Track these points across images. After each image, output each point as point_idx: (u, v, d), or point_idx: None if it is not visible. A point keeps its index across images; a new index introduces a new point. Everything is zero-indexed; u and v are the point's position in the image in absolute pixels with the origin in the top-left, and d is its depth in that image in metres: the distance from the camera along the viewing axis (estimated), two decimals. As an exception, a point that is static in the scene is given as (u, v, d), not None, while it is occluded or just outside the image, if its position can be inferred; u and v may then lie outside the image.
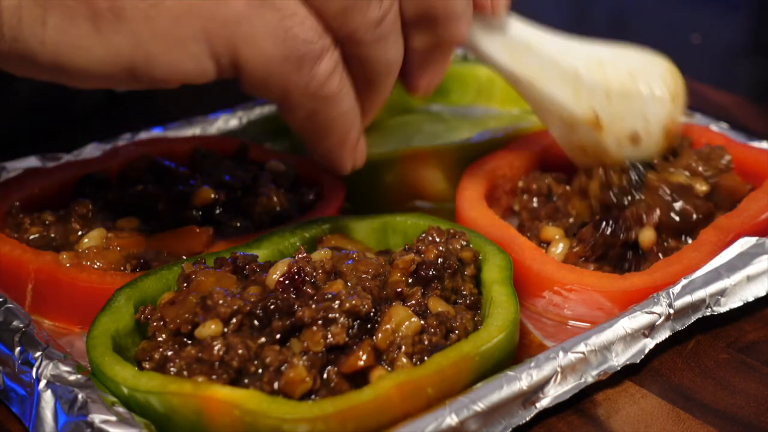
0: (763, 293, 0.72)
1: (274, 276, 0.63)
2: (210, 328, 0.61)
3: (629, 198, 0.77)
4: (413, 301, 0.65)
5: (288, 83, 0.62)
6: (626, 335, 0.66)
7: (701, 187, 0.79)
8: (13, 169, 0.85)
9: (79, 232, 0.76)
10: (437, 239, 0.70)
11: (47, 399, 0.60)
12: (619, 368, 0.65)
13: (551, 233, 0.78)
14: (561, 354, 0.63)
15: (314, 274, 0.64)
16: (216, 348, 0.59)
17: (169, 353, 0.61)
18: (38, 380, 0.61)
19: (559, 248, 0.76)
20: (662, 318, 0.67)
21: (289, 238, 0.73)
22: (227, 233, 0.77)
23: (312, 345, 0.60)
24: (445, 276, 0.67)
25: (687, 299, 0.69)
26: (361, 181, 0.86)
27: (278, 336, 0.61)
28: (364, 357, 0.60)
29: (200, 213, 0.78)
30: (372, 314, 0.62)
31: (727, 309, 0.71)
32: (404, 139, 0.96)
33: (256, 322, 0.61)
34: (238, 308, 0.61)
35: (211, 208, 0.78)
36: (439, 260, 0.68)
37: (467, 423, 0.58)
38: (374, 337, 0.62)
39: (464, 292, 0.69)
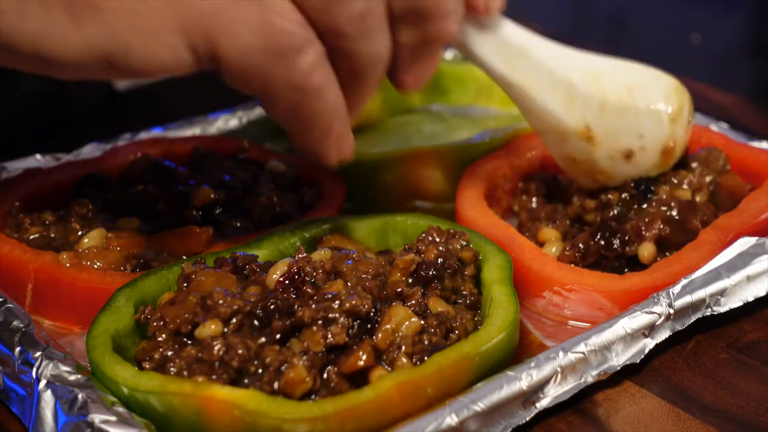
0: (763, 293, 0.72)
1: (274, 276, 0.63)
2: (210, 328, 0.61)
3: (630, 211, 0.77)
4: (413, 301, 0.65)
5: (268, 75, 0.61)
6: (626, 335, 0.66)
7: (703, 198, 0.79)
8: (13, 169, 0.85)
9: (79, 232, 0.76)
10: (437, 239, 0.70)
11: (47, 399, 0.60)
12: (619, 368, 0.65)
13: (548, 235, 0.78)
14: (561, 354, 0.63)
15: (314, 274, 0.64)
16: (216, 348, 0.59)
17: (169, 353, 0.61)
18: (38, 380, 0.61)
19: (552, 250, 0.76)
20: (662, 318, 0.67)
21: (289, 238, 0.73)
22: (227, 233, 0.77)
23: (312, 345, 0.60)
24: (445, 276, 0.67)
25: (687, 299, 0.69)
26: (361, 181, 0.86)
27: (278, 336, 0.61)
28: (364, 357, 0.60)
29: (200, 213, 0.78)
30: (372, 314, 0.62)
31: (727, 309, 0.71)
32: (404, 139, 0.96)
33: (256, 322, 0.61)
34: (238, 308, 0.61)
35: (211, 208, 0.78)
36: (439, 260, 0.68)
37: (467, 423, 0.59)
38: (374, 337, 0.62)
39: (464, 292, 0.69)
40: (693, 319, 0.69)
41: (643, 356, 0.67)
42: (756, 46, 1.44)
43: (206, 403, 0.58)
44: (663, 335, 0.68)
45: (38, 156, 0.87)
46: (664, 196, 0.77)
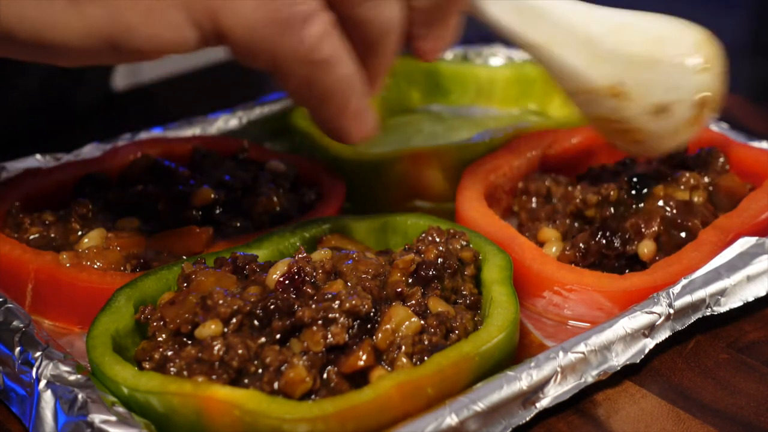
0: (763, 293, 0.72)
1: (274, 276, 0.63)
2: (210, 328, 0.61)
3: (629, 210, 0.76)
4: (413, 301, 0.65)
5: (275, 49, 0.58)
6: (626, 335, 0.66)
7: (701, 198, 0.78)
8: (13, 169, 0.85)
9: (79, 232, 0.76)
10: (437, 239, 0.70)
11: (47, 399, 0.60)
12: (619, 368, 0.65)
13: (548, 235, 0.77)
14: (561, 354, 0.63)
15: (314, 274, 0.64)
16: (216, 348, 0.59)
17: (169, 353, 0.61)
18: (38, 380, 0.61)
19: (552, 250, 0.76)
20: (662, 318, 0.67)
21: (289, 238, 0.73)
22: (227, 233, 0.77)
23: (312, 345, 0.60)
24: (445, 276, 0.67)
25: (687, 299, 0.69)
26: (361, 181, 0.86)
27: (278, 336, 0.61)
28: (364, 357, 0.60)
29: (200, 213, 0.78)
30: (372, 314, 0.62)
31: (727, 309, 0.71)
32: (404, 139, 0.96)
33: (256, 322, 0.61)
34: (238, 308, 0.61)
35: (211, 208, 0.78)
36: (439, 260, 0.68)
37: (467, 423, 0.58)
38: (374, 337, 0.62)
39: (464, 292, 0.69)
40: (693, 319, 0.69)
41: (643, 356, 0.67)
42: (756, 46, 1.44)
43: (206, 403, 0.58)
44: (663, 335, 0.68)
45: (38, 156, 0.87)
46: (664, 196, 0.77)
